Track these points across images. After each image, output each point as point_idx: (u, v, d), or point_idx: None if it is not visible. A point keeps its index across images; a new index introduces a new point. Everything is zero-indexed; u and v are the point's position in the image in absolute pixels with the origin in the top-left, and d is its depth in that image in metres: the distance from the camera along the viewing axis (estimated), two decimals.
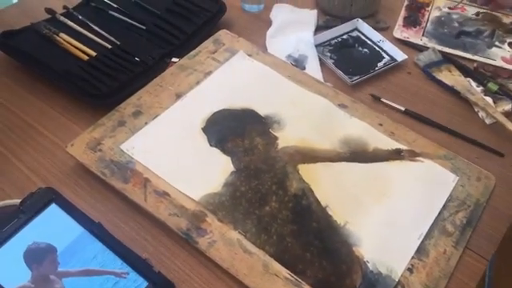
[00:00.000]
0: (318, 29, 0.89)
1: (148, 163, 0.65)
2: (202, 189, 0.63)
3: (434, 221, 0.62)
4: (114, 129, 0.68)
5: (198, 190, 0.62)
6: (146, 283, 0.53)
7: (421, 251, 0.59)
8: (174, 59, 0.80)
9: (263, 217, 0.61)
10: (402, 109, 0.75)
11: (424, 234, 0.61)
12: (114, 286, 0.52)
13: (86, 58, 0.78)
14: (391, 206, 0.63)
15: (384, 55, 0.85)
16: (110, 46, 0.81)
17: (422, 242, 0.60)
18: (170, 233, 0.60)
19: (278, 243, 0.59)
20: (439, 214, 0.63)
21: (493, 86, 0.79)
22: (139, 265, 0.54)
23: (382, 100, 0.75)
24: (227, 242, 0.58)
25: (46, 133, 0.70)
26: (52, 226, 0.55)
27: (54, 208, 0.56)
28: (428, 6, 0.95)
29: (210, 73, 0.77)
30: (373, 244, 0.59)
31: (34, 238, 0.53)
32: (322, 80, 0.80)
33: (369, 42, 0.87)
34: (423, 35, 0.89)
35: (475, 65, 0.84)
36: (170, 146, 0.67)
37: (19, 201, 0.57)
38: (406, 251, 0.59)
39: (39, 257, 0.52)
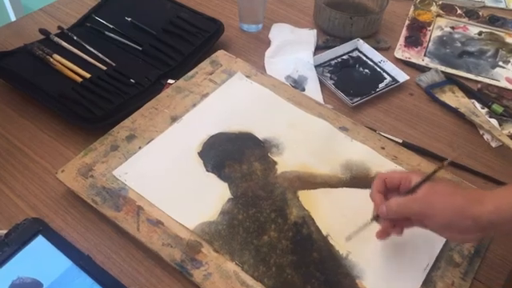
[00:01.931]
0: (318, 49, 0.88)
1: (141, 190, 0.62)
2: (198, 217, 0.60)
3: (441, 251, 0.59)
4: (107, 154, 0.66)
5: (193, 218, 0.60)
6: None
7: (427, 283, 0.57)
8: (170, 81, 0.78)
9: (261, 247, 0.58)
10: (400, 141, 0.72)
11: (430, 264, 0.58)
12: None
13: (79, 79, 0.76)
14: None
15: (385, 76, 0.83)
16: (104, 68, 0.79)
17: (429, 273, 0.57)
18: (163, 264, 0.57)
19: (277, 275, 0.56)
20: (446, 243, 0.60)
21: (498, 108, 0.77)
22: None
23: (379, 133, 0.73)
24: (223, 275, 0.55)
25: (37, 158, 0.68)
26: (38, 260, 0.52)
27: (40, 240, 0.53)
28: (429, 25, 0.94)
29: (206, 95, 0.75)
30: (377, 276, 0.56)
31: (18, 272, 0.51)
32: (322, 102, 0.78)
33: (370, 62, 0.86)
34: (425, 55, 0.87)
35: (479, 86, 0.82)
36: (164, 171, 0.65)
37: (5, 232, 0.54)
38: (412, 283, 0.56)
39: None
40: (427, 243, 0.60)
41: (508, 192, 0.49)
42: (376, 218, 0.56)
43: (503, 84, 0.82)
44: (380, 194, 0.55)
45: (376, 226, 0.59)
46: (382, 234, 0.56)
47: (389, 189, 0.56)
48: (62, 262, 0.52)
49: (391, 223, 0.55)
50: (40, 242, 0.53)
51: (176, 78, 0.78)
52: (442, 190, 0.51)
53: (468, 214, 0.49)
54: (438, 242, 0.60)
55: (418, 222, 0.54)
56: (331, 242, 0.59)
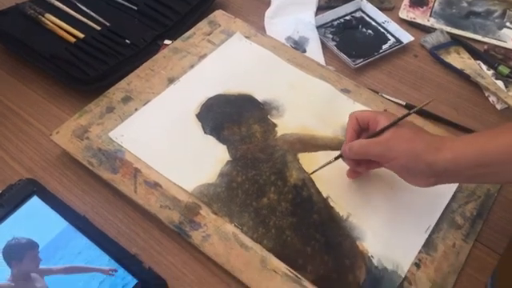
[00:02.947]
0: (320, 9, 0.85)
1: (138, 152, 0.61)
2: (196, 179, 0.59)
3: (443, 213, 0.58)
4: (102, 115, 0.64)
5: (191, 180, 0.59)
6: (135, 281, 0.49)
7: (429, 245, 0.56)
8: (166, 41, 0.75)
9: (261, 209, 0.57)
10: (403, 103, 0.70)
11: (432, 226, 0.57)
12: (100, 284, 0.48)
13: (73, 40, 0.73)
14: (397, 196, 0.59)
15: (389, 37, 0.81)
16: (99, 28, 0.76)
17: (430, 235, 0.57)
18: (161, 226, 0.56)
19: (277, 237, 0.55)
20: (448, 205, 0.59)
21: (504, 70, 0.75)
22: (128, 261, 0.51)
23: (382, 95, 0.71)
24: (222, 236, 0.55)
25: (31, 119, 0.66)
26: (33, 221, 0.51)
27: (35, 201, 0.52)
28: None
29: (204, 56, 0.73)
30: (377, 238, 0.56)
31: (13, 233, 0.50)
32: (324, 63, 0.76)
33: (373, 23, 0.83)
34: (430, 16, 0.84)
35: (485, 47, 0.79)
36: (161, 133, 0.63)
37: None
38: (412, 245, 0.56)
39: (19, 253, 0.49)
40: (429, 205, 0.59)
41: (470, 141, 0.50)
42: (340, 156, 0.57)
43: (510, 45, 0.80)
44: (354, 132, 0.56)
45: (377, 184, 0.59)
46: (350, 173, 0.59)
47: (362, 128, 0.56)
48: (58, 223, 0.51)
49: (355, 162, 0.57)
50: (35, 203, 0.52)
51: (173, 38, 0.76)
52: (404, 135, 0.52)
53: (422, 159, 0.49)
54: (440, 203, 0.59)
55: (380, 164, 0.54)
56: (331, 204, 0.58)
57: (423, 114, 0.68)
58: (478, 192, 0.61)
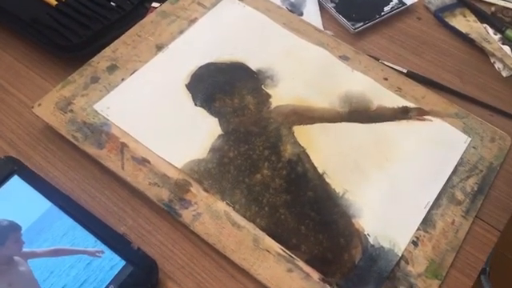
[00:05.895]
0: None
1: (125, 125, 0.58)
2: (186, 155, 0.56)
3: (443, 188, 0.56)
4: (87, 86, 0.61)
5: (181, 156, 0.56)
6: (123, 262, 0.48)
7: (427, 222, 0.54)
8: (154, 4, 0.71)
9: (254, 186, 0.55)
10: (404, 71, 0.67)
11: (431, 202, 0.55)
12: (86, 266, 0.47)
13: (54, 3, 0.69)
14: (395, 172, 0.57)
15: None
16: None
17: (429, 211, 0.55)
18: (150, 203, 0.54)
19: (270, 215, 0.53)
20: (448, 180, 0.57)
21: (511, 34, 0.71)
22: (116, 242, 0.49)
23: (382, 62, 0.67)
24: (214, 215, 0.53)
25: (12, 90, 0.63)
26: (15, 201, 0.49)
27: (16, 180, 0.50)
28: None
29: (194, 20, 0.69)
30: (374, 215, 0.54)
31: None
32: (322, 27, 0.71)
33: None
34: None
35: (493, 9, 0.75)
36: (149, 105, 0.60)
37: None
38: (410, 222, 0.54)
39: (1, 236, 0.47)
40: (428, 179, 0.57)
41: None
42: None
43: None
44: None
45: (375, 159, 0.56)
46: None
47: None
48: (41, 203, 0.49)
49: None
50: (16, 183, 0.50)
51: (161, 1, 0.71)
52: None
53: None
54: (440, 178, 0.57)
55: None
56: (327, 180, 0.56)
57: (425, 82, 0.65)
58: (480, 166, 0.59)
